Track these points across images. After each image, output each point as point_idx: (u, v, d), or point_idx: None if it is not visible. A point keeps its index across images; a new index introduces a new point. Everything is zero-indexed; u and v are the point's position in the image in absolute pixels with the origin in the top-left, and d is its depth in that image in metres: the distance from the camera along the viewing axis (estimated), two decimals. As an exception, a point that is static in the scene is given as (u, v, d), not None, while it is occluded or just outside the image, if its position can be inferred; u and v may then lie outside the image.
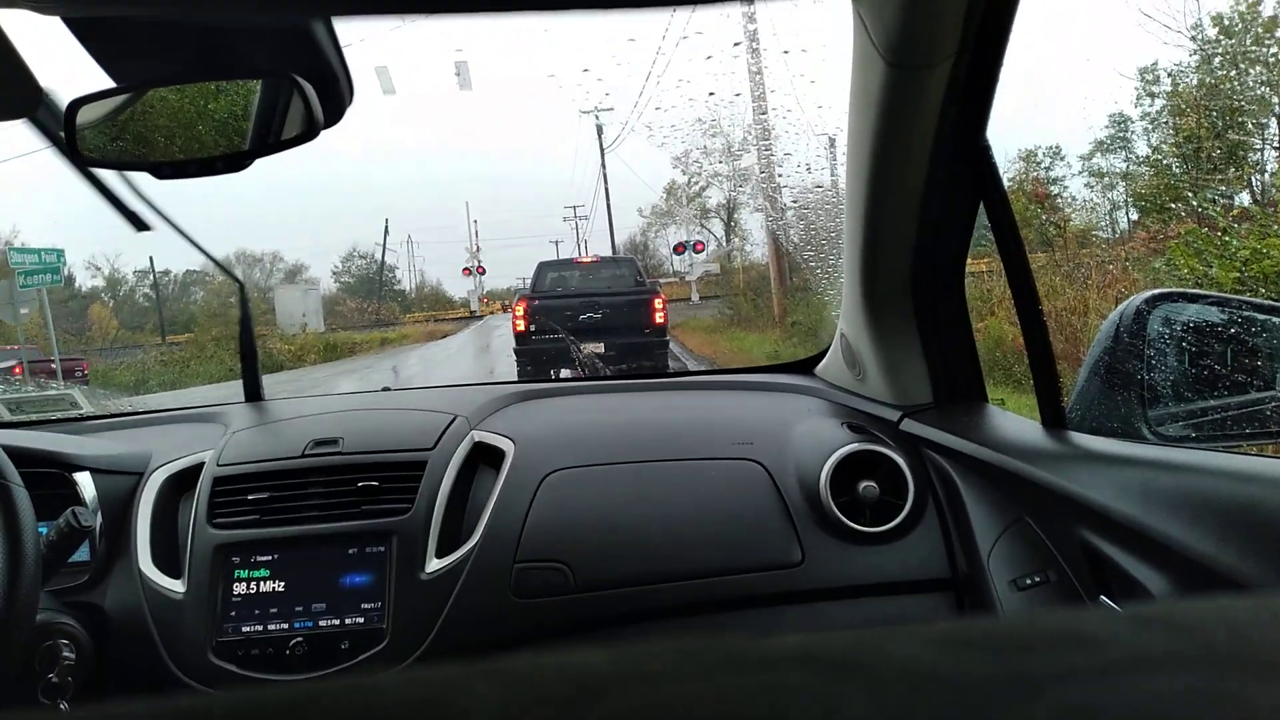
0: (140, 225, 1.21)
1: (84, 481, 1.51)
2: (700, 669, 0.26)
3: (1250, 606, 0.31)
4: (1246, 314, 1.27)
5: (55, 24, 0.69)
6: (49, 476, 1.49)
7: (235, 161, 1.05)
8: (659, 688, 0.25)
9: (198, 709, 0.26)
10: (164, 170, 1.08)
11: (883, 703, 0.23)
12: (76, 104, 1.02)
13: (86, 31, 0.78)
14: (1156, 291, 1.25)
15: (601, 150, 31.98)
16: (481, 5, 0.30)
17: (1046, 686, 0.24)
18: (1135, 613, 0.29)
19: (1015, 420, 1.38)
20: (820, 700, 0.24)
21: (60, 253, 14.78)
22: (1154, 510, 0.94)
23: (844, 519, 1.44)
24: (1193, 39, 10.72)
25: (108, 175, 1.16)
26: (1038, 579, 1.20)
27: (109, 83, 0.94)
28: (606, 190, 32.96)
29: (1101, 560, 1.04)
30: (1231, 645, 0.27)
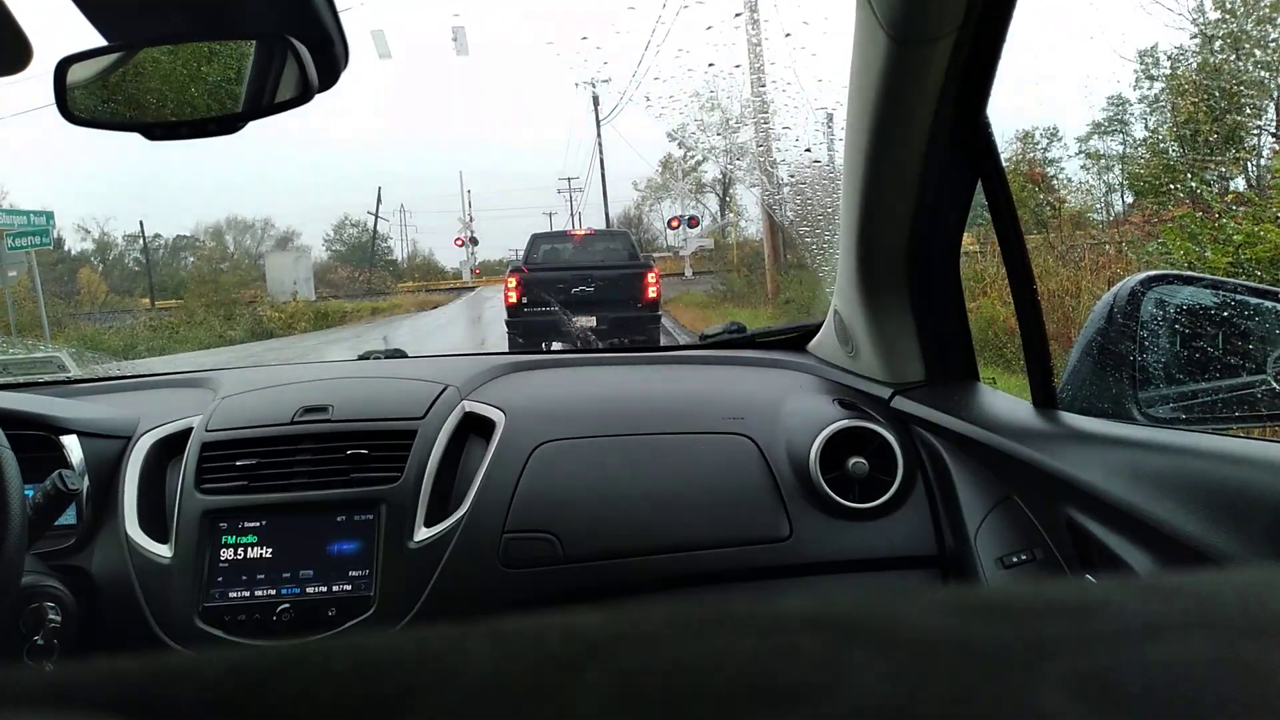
0: None
1: (71, 445, 1.50)
2: (702, 631, 0.26)
3: (1262, 576, 0.31)
4: (1240, 298, 1.27)
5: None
6: (36, 439, 1.48)
7: (228, 124, 1.04)
8: (661, 649, 0.25)
9: (190, 667, 0.25)
10: (156, 131, 1.07)
11: (892, 665, 0.23)
12: (66, 62, 1.00)
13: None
14: (1151, 273, 1.25)
15: (598, 121, 31.73)
16: None
17: (1058, 652, 0.24)
18: (1146, 583, 0.29)
19: (1006, 399, 1.39)
20: (830, 662, 0.24)
21: (50, 215, 14.67)
22: (1142, 490, 0.94)
23: (833, 495, 1.45)
24: (1194, 22, 10.69)
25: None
26: (1024, 557, 1.21)
27: (100, 41, 0.92)
28: (602, 162, 32.75)
29: (1088, 539, 1.05)
30: (1245, 612, 0.27)
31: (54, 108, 1.02)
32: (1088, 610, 0.26)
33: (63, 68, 0.99)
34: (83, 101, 1.04)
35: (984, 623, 0.26)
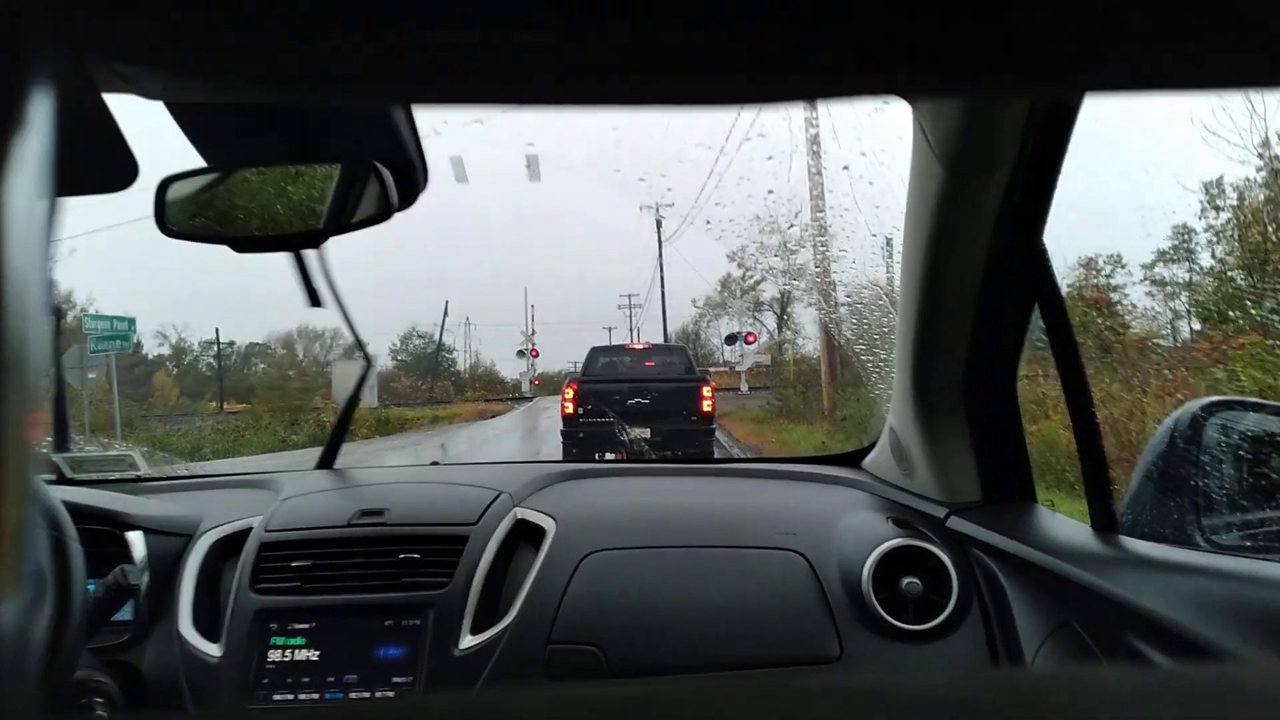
0: (315, 302, 1.31)
1: (135, 540, 1.54)
2: (738, 697, 0.28)
3: (1199, 677, 0.32)
4: (1307, 425, 1.25)
5: (157, 107, 0.74)
6: (103, 534, 1.52)
7: (310, 239, 1.10)
8: (708, 708, 0.27)
9: None
10: (242, 245, 1.13)
11: None
12: (167, 181, 1.08)
13: (185, 115, 0.84)
14: (1214, 399, 1.23)
15: (660, 243, 32.51)
16: (549, 98, 0.33)
17: None
18: (1085, 677, 0.30)
19: (1064, 522, 1.36)
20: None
21: (131, 321, 15.32)
22: (1206, 619, 0.91)
23: (885, 615, 1.42)
24: (1260, 155, 10.65)
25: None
26: None
27: (200, 161, 0.99)
28: (662, 280, 33.39)
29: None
30: (1178, 713, 0.28)
31: (145, 220, 1.10)
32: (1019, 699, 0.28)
33: (164, 186, 1.07)
34: (178, 217, 1.12)
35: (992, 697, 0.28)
